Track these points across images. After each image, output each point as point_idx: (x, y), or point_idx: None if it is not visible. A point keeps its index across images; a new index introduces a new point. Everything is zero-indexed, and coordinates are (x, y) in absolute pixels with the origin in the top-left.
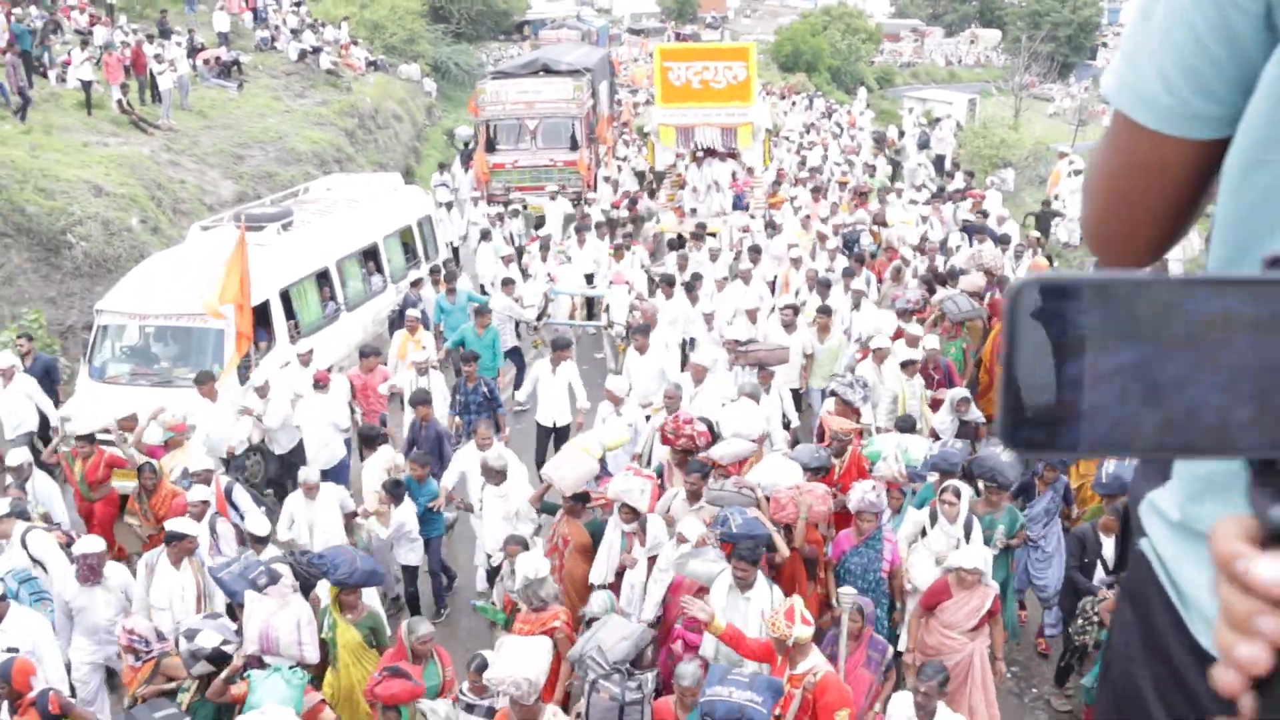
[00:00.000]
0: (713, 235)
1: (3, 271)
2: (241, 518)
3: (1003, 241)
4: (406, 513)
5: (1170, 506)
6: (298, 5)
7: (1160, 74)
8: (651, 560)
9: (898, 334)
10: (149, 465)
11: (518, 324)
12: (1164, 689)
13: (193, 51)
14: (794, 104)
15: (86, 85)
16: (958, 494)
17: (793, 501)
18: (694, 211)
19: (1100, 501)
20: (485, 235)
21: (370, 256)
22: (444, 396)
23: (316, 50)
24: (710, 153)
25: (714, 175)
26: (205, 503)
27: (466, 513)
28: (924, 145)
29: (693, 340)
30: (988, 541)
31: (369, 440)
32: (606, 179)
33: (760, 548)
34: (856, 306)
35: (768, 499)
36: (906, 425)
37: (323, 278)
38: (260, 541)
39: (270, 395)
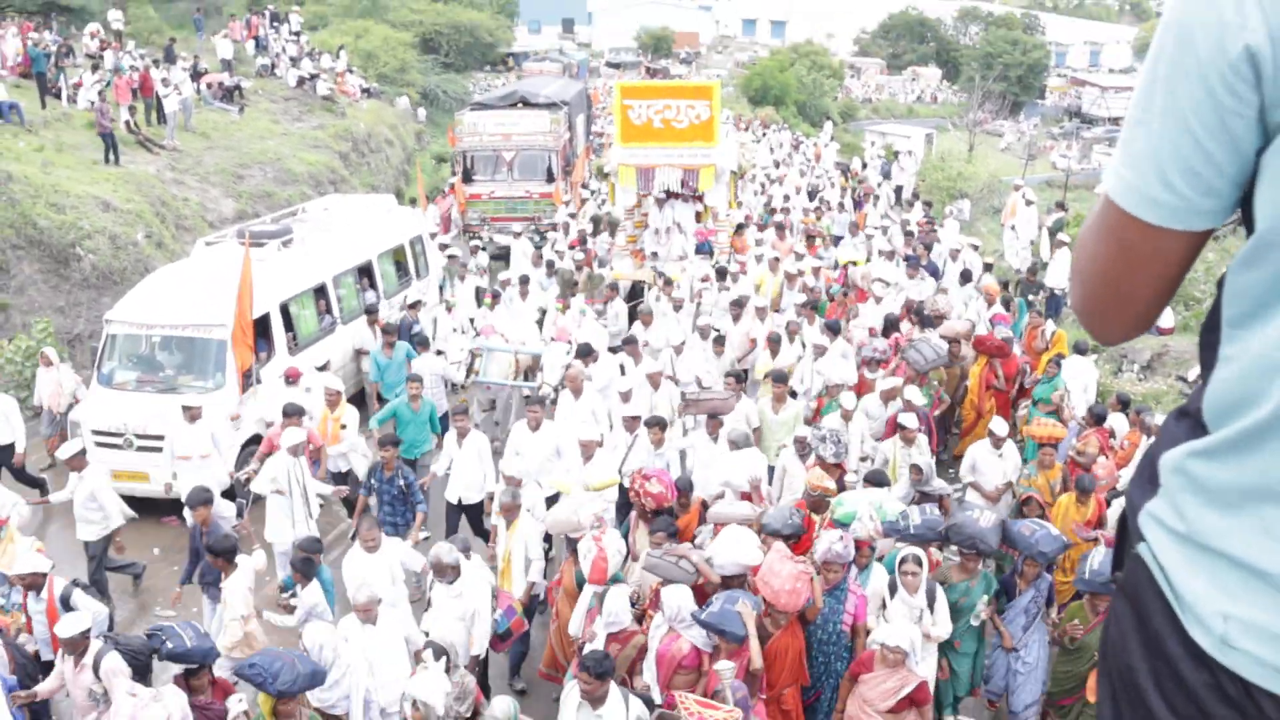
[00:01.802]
0: (670, 283)
1: (15, 282)
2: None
3: (964, 277)
4: (316, 593)
5: (1174, 519)
6: (297, 34)
7: (1161, 176)
8: (613, 637)
9: (860, 385)
10: None
11: (450, 385)
12: (1160, 680)
13: (197, 76)
14: (764, 136)
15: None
16: (920, 563)
17: (808, 582)
18: (654, 255)
19: (1083, 600)
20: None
21: (365, 273)
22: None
23: (314, 77)
24: (673, 194)
25: (676, 217)
26: None
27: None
28: (886, 175)
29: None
30: (968, 609)
31: (225, 554)
32: (572, 215)
33: (609, 661)
34: (817, 359)
35: (732, 580)
36: (878, 479)
37: (320, 292)
38: (77, 640)
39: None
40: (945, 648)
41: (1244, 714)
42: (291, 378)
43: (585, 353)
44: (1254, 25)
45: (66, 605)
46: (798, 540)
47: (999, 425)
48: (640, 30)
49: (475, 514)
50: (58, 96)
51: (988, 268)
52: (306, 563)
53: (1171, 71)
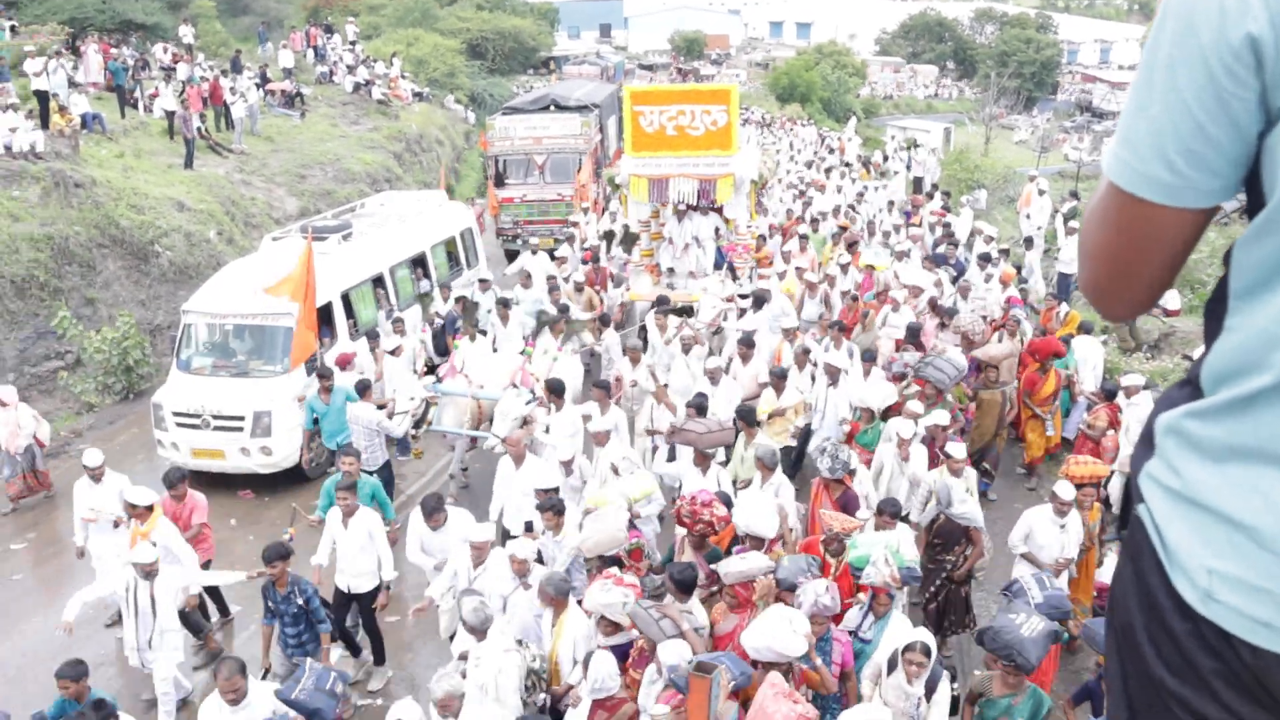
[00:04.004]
0: (686, 312)
1: (101, 278)
2: None
3: (983, 259)
4: None
5: (1169, 476)
6: (353, 44)
7: (1163, 157)
8: (599, 704)
9: (896, 405)
10: None
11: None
12: (1152, 631)
13: (261, 84)
14: (793, 131)
15: (170, 114)
16: (928, 653)
17: None
18: (670, 271)
19: None
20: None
21: (419, 264)
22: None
23: (369, 83)
24: (691, 206)
25: (694, 230)
26: None
27: None
28: (907, 168)
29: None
30: None
31: None
32: (575, 224)
33: None
34: (834, 383)
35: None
36: (892, 510)
37: (378, 282)
38: None
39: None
40: None
41: (1225, 663)
42: (342, 364)
43: (557, 390)
44: (1256, 13)
45: None
46: None
47: (1064, 489)
48: (674, 34)
49: (367, 604)
50: (135, 107)
51: (1004, 254)
52: None
53: (1172, 57)
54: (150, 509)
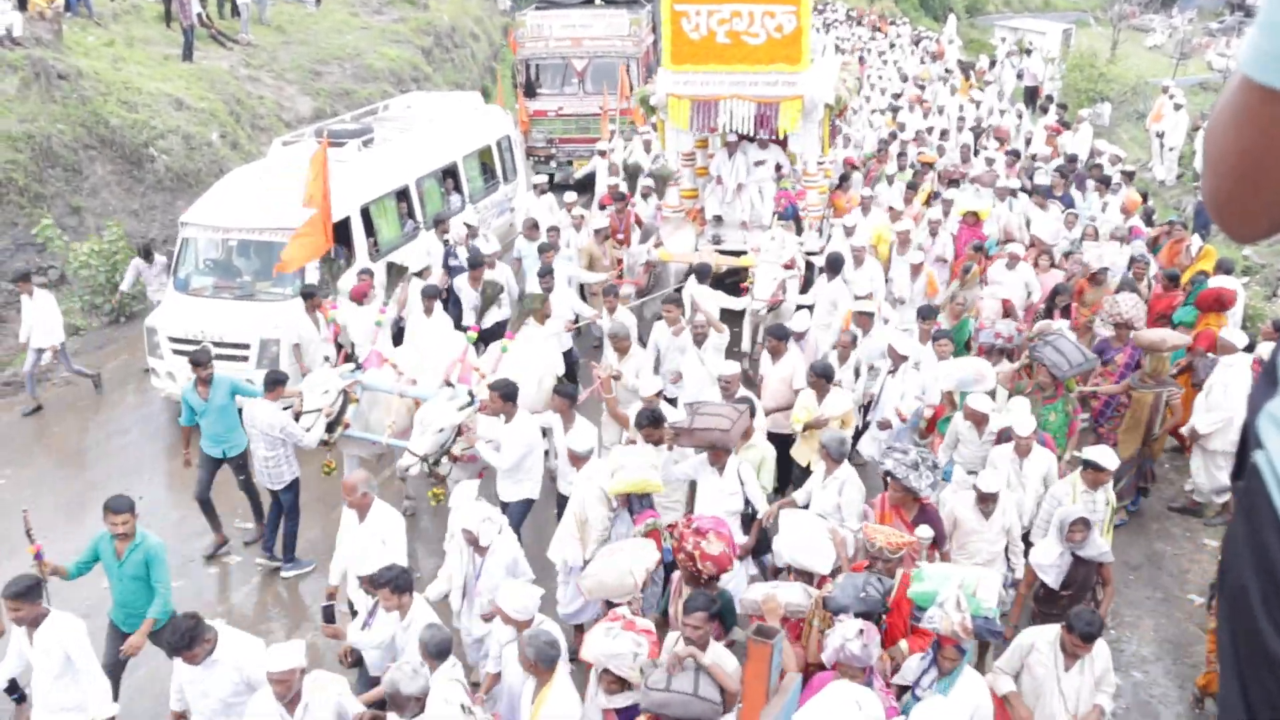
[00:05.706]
0: (732, 285)
1: (88, 184)
2: None
3: (1101, 183)
4: None
5: None
6: None
7: None
8: None
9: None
10: None
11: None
12: (1269, 600)
13: None
14: (890, 41)
15: None
16: None
17: None
18: (718, 220)
19: None
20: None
21: (449, 175)
22: None
23: None
24: (745, 136)
25: (750, 168)
26: None
27: None
28: (1019, 77)
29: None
30: None
31: None
32: (603, 153)
33: None
34: (894, 371)
35: None
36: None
37: (402, 195)
38: None
39: None
40: None
41: None
42: (358, 297)
43: (507, 394)
44: None
45: None
46: (879, 621)
47: None
48: None
49: None
50: None
51: (1128, 177)
52: None
53: None
54: None
